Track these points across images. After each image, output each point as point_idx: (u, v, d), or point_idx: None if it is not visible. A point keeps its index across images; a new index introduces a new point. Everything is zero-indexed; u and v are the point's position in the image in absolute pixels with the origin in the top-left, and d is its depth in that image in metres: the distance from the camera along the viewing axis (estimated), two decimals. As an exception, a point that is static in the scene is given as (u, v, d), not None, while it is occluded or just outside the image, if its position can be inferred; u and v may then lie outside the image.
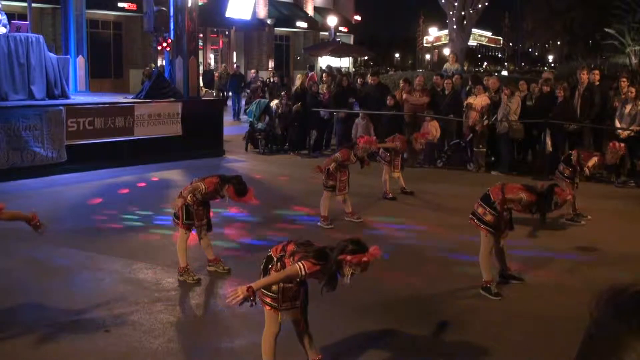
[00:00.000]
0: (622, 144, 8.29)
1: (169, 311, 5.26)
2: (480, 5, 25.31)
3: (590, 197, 9.30)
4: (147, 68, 22.00)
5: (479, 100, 12.18)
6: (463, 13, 24.99)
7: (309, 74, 23.30)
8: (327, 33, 38.26)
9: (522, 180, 6.98)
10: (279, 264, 3.86)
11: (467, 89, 13.31)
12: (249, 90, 18.11)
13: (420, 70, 37.35)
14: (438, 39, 56.73)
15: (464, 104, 12.59)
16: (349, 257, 3.62)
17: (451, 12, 25.01)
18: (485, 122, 11.79)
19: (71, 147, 11.00)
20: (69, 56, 14.42)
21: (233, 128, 16.92)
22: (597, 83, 11.79)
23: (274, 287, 3.82)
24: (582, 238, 7.59)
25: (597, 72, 12.13)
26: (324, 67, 34.11)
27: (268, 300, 3.86)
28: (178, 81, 13.62)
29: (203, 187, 5.71)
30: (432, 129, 12.35)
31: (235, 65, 26.96)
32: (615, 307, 0.89)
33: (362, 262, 3.63)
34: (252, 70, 22.45)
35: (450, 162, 12.65)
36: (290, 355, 4.23)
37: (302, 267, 3.64)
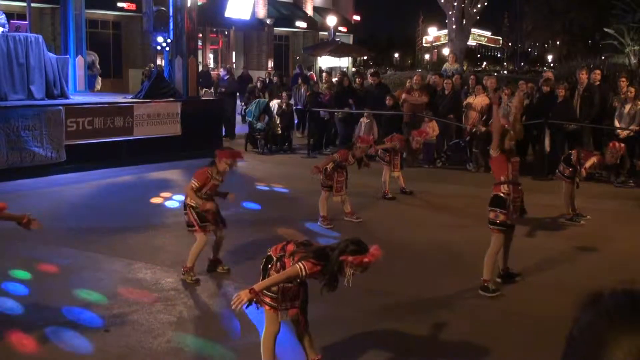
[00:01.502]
0: (622, 144, 8.29)
1: (169, 311, 5.25)
2: (479, 5, 25.33)
3: (590, 197, 9.31)
4: (147, 68, 21.95)
5: (478, 100, 12.18)
6: (462, 13, 25.01)
7: (309, 74, 23.23)
8: (326, 33, 38.27)
9: (521, 180, 6.97)
10: (278, 263, 3.86)
11: (471, 89, 13.32)
12: (223, 90, 18.04)
13: (419, 70, 37.37)
14: (437, 38, 56.79)
15: (464, 104, 12.59)
16: (350, 258, 3.60)
17: (450, 12, 25.02)
18: (483, 128, 11.78)
19: (70, 147, 10.98)
20: (68, 56, 14.40)
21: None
22: (598, 83, 11.78)
23: (274, 287, 3.82)
24: (581, 238, 7.60)
25: (598, 71, 12.12)
26: (323, 68, 34.12)
27: (267, 300, 3.85)
28: (177, 81, 13.61)
29: (196, 185, 5.73)
30: (430, 129, 12.35)
31: (242, 67, 26.76)
32: (595, 307, 0.88)
33: (363, 262, 3.61)
34: (221, 69, 22.23)
35: (449, 162, 12.65)
36: (290, 355, 4.23)
37: (302, 267, 3.63)
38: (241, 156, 6.00)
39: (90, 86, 18.09)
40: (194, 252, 5.90)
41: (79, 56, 15.16)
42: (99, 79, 19.60)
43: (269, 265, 3.92)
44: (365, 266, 3.64)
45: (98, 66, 19.32)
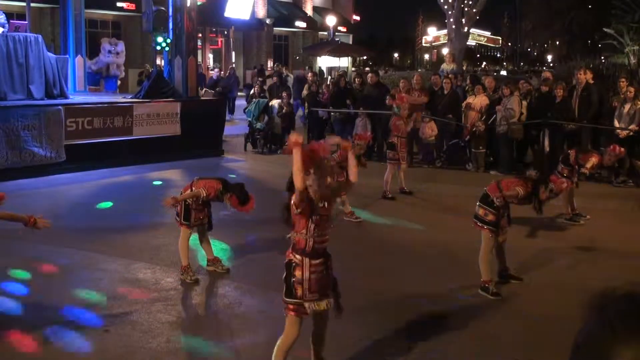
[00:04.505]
0: (623, 149, 8.31)
1: (168, 311, 5.25)
2: (479, 5, 25.33)
3: (589, 196, 9.30)
4: (142, 70, 21.90)
5: (478, 100, 12.18)
6: (462, 13, 25.01)
7: (306, 74, 23.05)
8: (326, 33, 38.28)
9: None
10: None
11: (466, 88, 13.31)
12: (218, 90, 17.95)
13: (419, 70, 37.34)
14: (437, 38, 56.87)
15: (463, 104, 12.59)
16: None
17: (450, 12, 25.02)
18: (483, 126, 11.77)
19: (70, 147, 10.99)
20: (67, 56, 14.40)
21: (233, 128, 16.92)
22: (591, 82, 11.80)
23: (299, 292, 3.75)
24: (581, 238, 7.60)
25: (589, 72, 12.15)
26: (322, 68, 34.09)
27: (291, 306, 3.80)
28: (177, 81, 13.60)
29: (204, 194, 5.73)
30: (428, 129, 12.35)
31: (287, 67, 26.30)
32: (600, 315, 0.88)
33: None
34: (215, 69, 22.12)
35: (449, 162, 12.65)
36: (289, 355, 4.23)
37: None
38: (249, 211, 5.98)
39: (113, 87, 18.05)
40: (180, 247, 5.97)
41: (79, 56, 15.15)
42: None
43: (291, 269, 3.81)
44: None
45: (122, 69, 19.32)
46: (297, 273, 3.78)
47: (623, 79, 11.55)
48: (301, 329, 3.89)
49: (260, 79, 19.41)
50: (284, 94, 14.85)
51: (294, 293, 3.77)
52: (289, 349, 3.92)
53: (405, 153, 9.73)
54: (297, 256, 3.79)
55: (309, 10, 39.03)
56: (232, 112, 20.81)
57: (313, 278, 3.77)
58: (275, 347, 3.94)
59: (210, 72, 21.35)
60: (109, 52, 18.69)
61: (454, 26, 25.04)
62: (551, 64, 53.10)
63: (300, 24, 38.10)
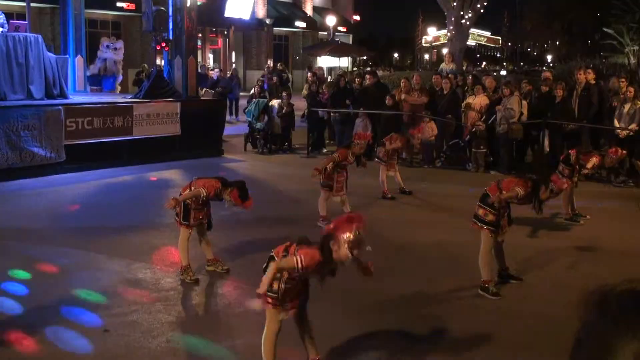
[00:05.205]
0: (624, 152, 8.32)
1: (168, 311, 5.25)
2: (479, 5, 25.32)
3: (590, 197, 9.31)
4: (140, 69, 21.85)
5: (478, 100, 12.18)
6: (462, 13, 25.00)
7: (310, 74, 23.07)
8: (325, 33, 38.30)
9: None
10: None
11: (466, 89, 13.31)
12: (218, 90, 17.92)
13: (420, 70, 37.32)
14: (437, 38, 56.82)
15: (463, 104, 12.59)
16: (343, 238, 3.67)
17: (450, 12, 25.02)
18: (483, 125, 11.77)
19: (70, 147, 10.98)
20: (67, 56, 14.40)
21: (233, 128, 16.91)
22: (593, 82, 11.80)
23: (275, 287, 3.81)
24: (580, 237, 7.60)
25: (590, 71, 12.15)
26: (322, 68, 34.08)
27: (269, 299, 3.86)
28: (177, 81, 13.60)
29: (204, 193, 5.71)
30: (428, 129, 12.35)
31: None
32: (601, 310, 0.88)
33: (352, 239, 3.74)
34: (215, 70, 22.01)
35: (449, 162, 12.65)
36: (287, 354, 4.23)
37: (299, 259, 3.62)
38: (248, 208, 6.01)
39: (111, 87, 17.94)
40: (180, 248, 5.96)
41: (79, 56, 15.15)
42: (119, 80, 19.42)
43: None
44: (358, 241, 3.74)
45: (119, 67, 19.20)
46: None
47: (623, 79, 11.55)
48: (282, 321, 3.93)
49: (262, 77, 19.43)
50: (284, 94, 14.84)
51: (271, 287, 3.81)
52: (274, 342, 3.96)
53: (394, 161, 9.75)
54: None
55: (308, 10, 39.04)
56: (235, 113, 20.61)
57: (282, 288, 3.83)
58: (262, 344, 3.99)
59: (211, 72, 21.28)
60: (107, 46, 18.67)
61: (453, 26, 25.04)
62: (551, 64, 53.11)
63: (300, 24, 38.11)
